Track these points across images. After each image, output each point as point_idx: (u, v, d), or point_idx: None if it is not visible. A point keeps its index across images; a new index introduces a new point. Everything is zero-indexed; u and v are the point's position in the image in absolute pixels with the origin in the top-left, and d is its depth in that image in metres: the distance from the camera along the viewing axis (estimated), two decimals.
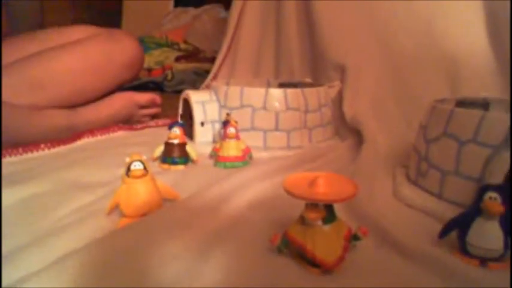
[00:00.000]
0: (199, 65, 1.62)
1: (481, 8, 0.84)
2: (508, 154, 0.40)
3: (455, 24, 0.87)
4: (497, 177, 0.40)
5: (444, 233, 0.38)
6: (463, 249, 0.36)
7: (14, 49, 0.88)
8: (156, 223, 0.42)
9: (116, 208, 0.45)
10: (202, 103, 0.77)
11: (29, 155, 0.69)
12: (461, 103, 0.59)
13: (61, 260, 0.34)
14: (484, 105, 0.60)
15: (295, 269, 0.36)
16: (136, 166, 0.44)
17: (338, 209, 0.37)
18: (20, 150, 0.69)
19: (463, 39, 0.85)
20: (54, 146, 0.73)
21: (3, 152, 0.67)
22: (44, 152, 0.71)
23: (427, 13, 0.90)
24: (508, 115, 0.42)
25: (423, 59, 0.88)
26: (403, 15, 0.92)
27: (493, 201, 0.34)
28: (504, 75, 0.80)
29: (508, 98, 0.59)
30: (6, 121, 0.70)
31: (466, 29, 0.85)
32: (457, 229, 0.37)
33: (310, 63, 1.08)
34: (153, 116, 1.03)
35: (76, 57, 0.87)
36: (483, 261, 0.35)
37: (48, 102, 0.82)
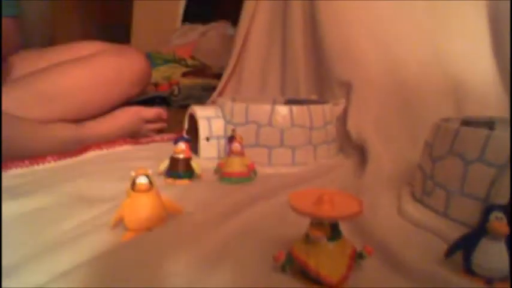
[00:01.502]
0: (206, 81, 1.64)
1: (486, 29, 0.85)
2: None
3: (461, 44, 0.87)
4: (503, 197, 0.40)
5: (450, 252, 0.37)
6: (469, 269, 0.36)
7: (25, 64, 0.90)
8: (159, 238, 0.42)
9: (120, 222, 0.45)
10: (208, 119, 0.78)
11: (36, 167, 0.70)
12: (467, 122, 0.59)
13: (65, 273, 0.34)
14: (490, 124, 0.60)
15: (299, 287, 0.35)
16: (142, 180, 0.44)
17: (342, 226, 0.36)
18: (27, 162, 0.70)
19: (468, 59, 0.86)
20: (60, 159, 0.74)
21: (10, 164, 0.68)
22: (50, 165, 0.72)
23: (432, 33, 0.90)
24: None
25: (428, 78, 0.89)
26: (408, 35, 0.93)
27: (499, 221, 0.34)
28: (509, 95, 0.80)
29: None
30: (14, 134, 0.71)
31: (471, 49, 0.86)
32: (462, 249, 0.36)
33: (315, 81, 1.08)
34: (159, 131, 1.04)
35: (85, 72, 0.88)
36: (489, 281, 0.35)
37: (56, 116, 0.83)
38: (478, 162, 0.44)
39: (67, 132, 0.82)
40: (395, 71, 0.93)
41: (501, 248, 0.34)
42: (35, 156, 0.72)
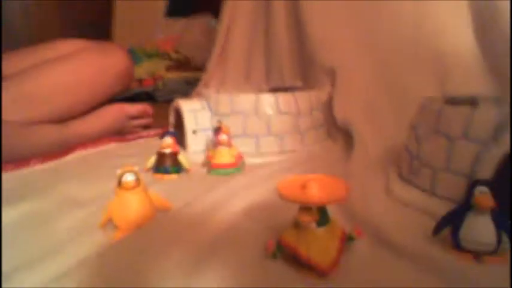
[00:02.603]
0: (191, 74, 1.63)
1: (466, 8, 0.85)
2: (497, 150, 0.41)
3: (442, 24, 0.87)
4: (487, 172, 0.40)
5: (438, 229, 0.38)
6: (457, 244, 0.36)
7: (6, 65, 0.88)
8: (150, 236, 0.42)
9: (109, 221, 0.44)
10: (194, 111, 0.77)
11: (21, 171, 0.69)
12: (450, 101, 0.59)
13: (57, 277, 0.34)
14: (473, 103, 0.60)
15: (291, 274, 0.36)
16: (128, 178, 0.44)
17: (331, 210, 0.36)
18: (11, 166, 0.69)
19: (450, 39, 0.86)
20: (45, 161, 0.73)
21: None
22: (35, 168, 0.71)
23: (414, 15, 0.90)
24: (496, 111, 0.43)
25: (412, 60, 0.89)
26: (390, 17, 0.93)
27: (483, 195, 0.34)
28: (491, 74, 0.80)
29: (495, 95, 0.60)
30: None
31: (453, 29, 0.86)
32: (450, 225, 0.37)
33: (300, 68, 1.08)
34: (145, 127, 1.03)
35: (67, 71, 0.87)
36: (477, 255, 0.35)
37: (39, 117, 0.81)
38: (462, 139, 0.45)
39: (51, 133, 0.81)
40: (379, 54, 0.93)
41: (487, 221, 0.35)
42: (19, 160, 0.71)
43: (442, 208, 0.42)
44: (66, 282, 0.33)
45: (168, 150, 0.64)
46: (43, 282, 0.34)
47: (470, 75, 0.82)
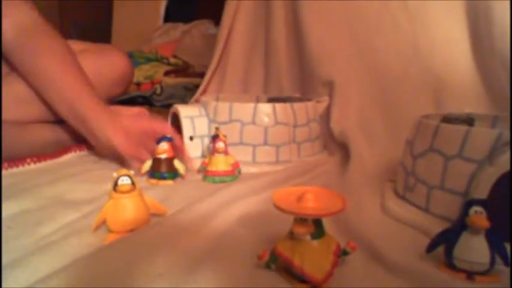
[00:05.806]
0: (189, 80, 1.63)
1: (465, 26, 0.86)
2: (492, 170, 0.41)
3: (440, 41, 0.89)
4: (482, 191, 0.41)
5: (431, 247, 0.38)
6: (450, 263, 0.36)
7: (3, 65, 0.87)
8: (143, 239, 0.42)
9: (103, 224, 0.44)
10: (192, 118, 0.77)
11: (15, 169, 0.68)
12: (447, 119, 0.60)
13: (46, 278, 0.34)
14: (469, 121, 0.61)
15: (283, 285, 0.35)
16: (124, 181, 0.43)
17: (326, 223, 0.37)
18: (6, 164, 0.68)
19: (447, 56, 0.87)
20: (40, 161, 0.73)
21: None
22: (30, 167, 0.71)
23: (411, 30, 0.91)
24: (493, 131, 0.43)
25: (408, 75, 0.90)
26: (388, 33, 0.94)
27: (479, 215, 0.34)
28: (487, 92, 0.81)
29: (492, 113, 0.61)
30: None
31: (450, 46, 0.87)
32: (444, 243, 0.37)
33: (298, 79, 1.09)
34: None
35: None
36: (470, 274, 0.35)
37: (34, 117, 0.81)
38: (458, 158, 0.45)
39: (47, 133, 0.80)
40: (376, 69, 0.94)
41: (481, 241, 0.35)
42: (14, 158, 0.70)
43: (435, 226, 0.43)
44: (53, 283, 0.33)
45: (163, 156, 0.64)
46: (29, 281, 0.34)
47: (466, 93, 0.83)
